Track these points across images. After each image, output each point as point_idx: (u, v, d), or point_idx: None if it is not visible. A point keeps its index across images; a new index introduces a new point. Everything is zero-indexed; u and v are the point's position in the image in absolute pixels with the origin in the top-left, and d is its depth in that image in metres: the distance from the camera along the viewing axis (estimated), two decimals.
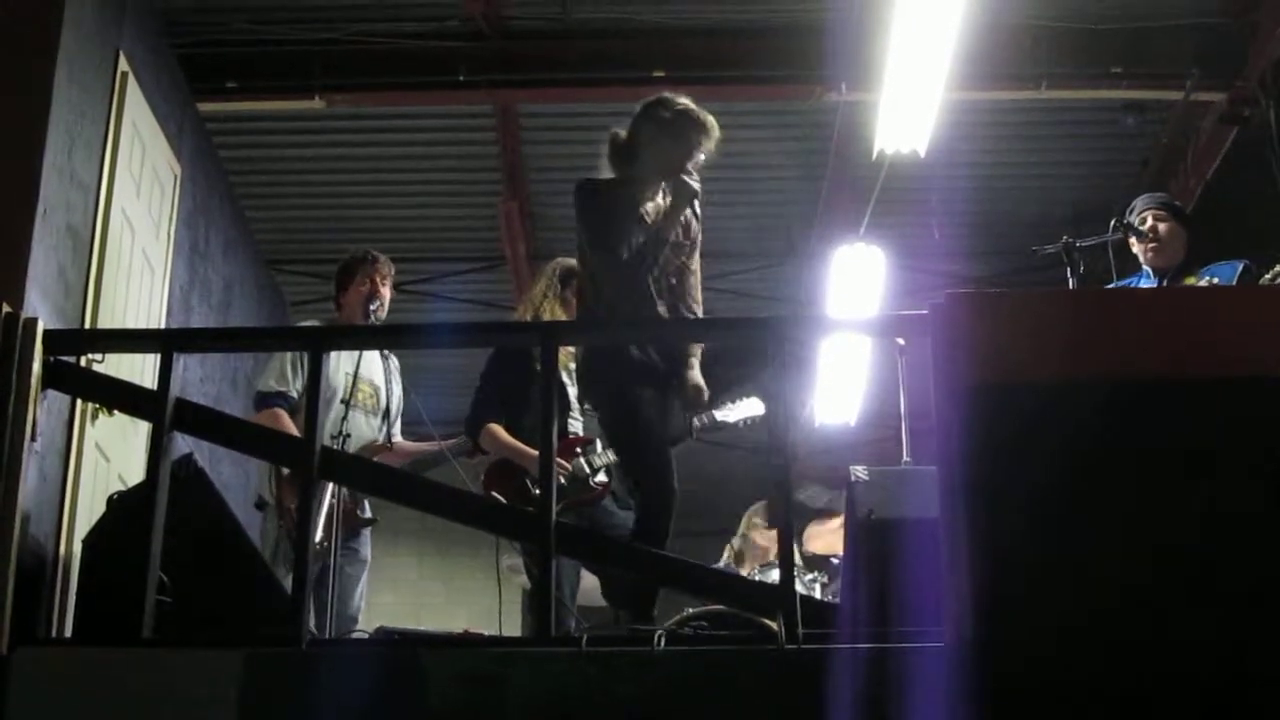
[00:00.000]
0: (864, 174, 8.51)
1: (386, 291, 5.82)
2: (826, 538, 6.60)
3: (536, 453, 5.14)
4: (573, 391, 5.59)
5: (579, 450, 5.46)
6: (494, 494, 5.36)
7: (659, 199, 5.09)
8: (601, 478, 5.48)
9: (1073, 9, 7.53)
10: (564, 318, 5.56)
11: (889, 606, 3.97)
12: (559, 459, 5.20)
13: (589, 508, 5.43)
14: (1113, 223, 5.61)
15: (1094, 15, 7.55)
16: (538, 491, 5.12)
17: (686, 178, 4.98)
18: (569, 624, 5.10)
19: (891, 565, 4.03)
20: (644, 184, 5.07)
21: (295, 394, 5.56)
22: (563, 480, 5.27)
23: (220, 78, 7.61)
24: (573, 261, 5.79)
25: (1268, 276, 5.11)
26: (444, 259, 9.99)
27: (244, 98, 7.83)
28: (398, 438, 5.86)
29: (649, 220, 5.01)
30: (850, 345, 9.27)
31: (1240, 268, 5.36)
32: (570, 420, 5.57)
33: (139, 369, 5.43)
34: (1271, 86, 7.38)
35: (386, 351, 5.88)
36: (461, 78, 7.76)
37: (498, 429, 5.45)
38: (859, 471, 4.44)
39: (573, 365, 5.62)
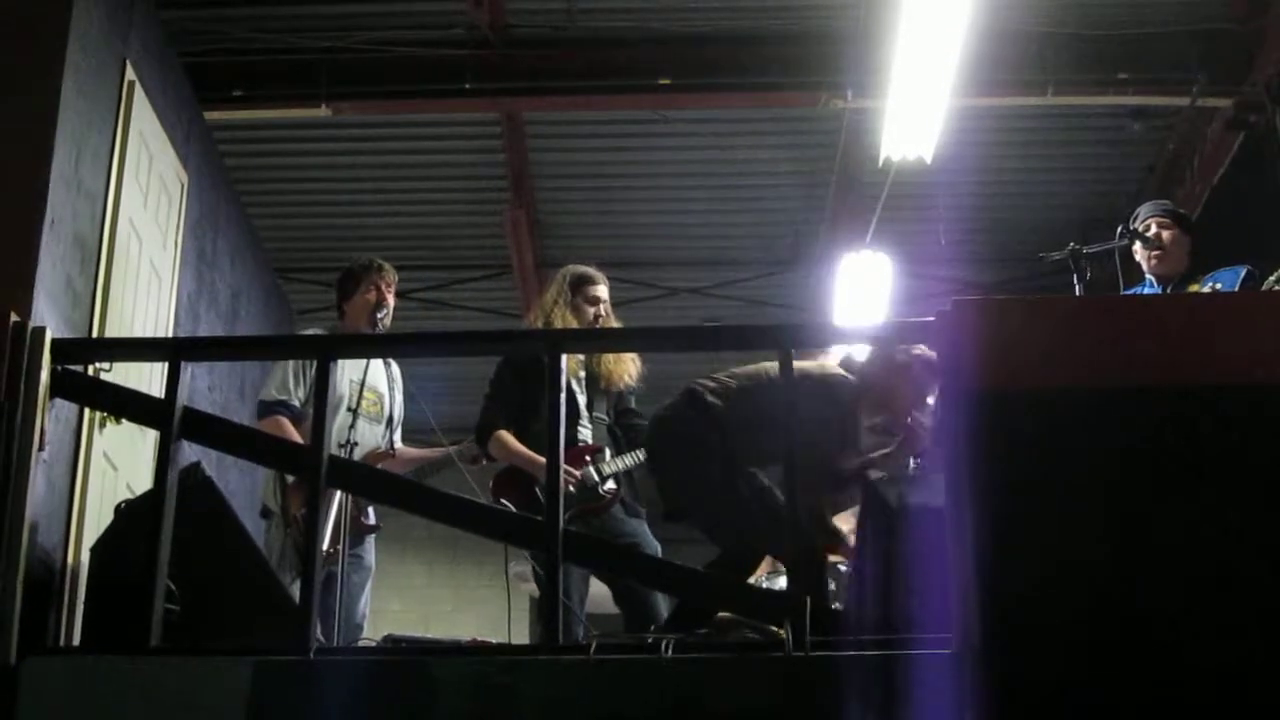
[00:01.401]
0: (870, 181, 8.53)
1: (391, 299, 5.82)
2: None
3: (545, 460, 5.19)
4: (582, 400, 5.59)
5: (588, 459, 5.46)
6: (502, 501, 5.35)
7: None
8: (610, 486, 5.48)
9: (1078, 15, 7.53)
10: (574, 325, 5.55)
11: (900, 604, 3.96)
12: (567, 467, 5.20)
13: (598, 516, 5.42)
14: (1119, 229, 5.62)
15: (1100, 21, 7.55)
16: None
17: (917, 427, 4.98)
18: (578, 632, 5.09)
19: (907, 558, 4.01)
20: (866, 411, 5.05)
21: (297, 403, 5.57)
22: (571, 489, 5.27)
23: (227, 86, 7.63)
24: (584, 268, 5.78)
25: (1271, 279, 5.12)
26: (451, 266, 10.01)
27: (250, 106, 7.84)
28: (399, 444, 5.86)
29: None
30: (857, 352, 9.26)
31: (1243, 273, 5.36)
32: (579, 429, 5.56)
33: (147, 381, 5.43)
34: (1277, 92, 7.38)
35: (388, 359, 5.88)
36: (467, 86, 7.78)
37: (507, 436, 5.44)
38: (877, 474, 4.45)
39: (582, 374, 5.61)
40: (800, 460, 4.33)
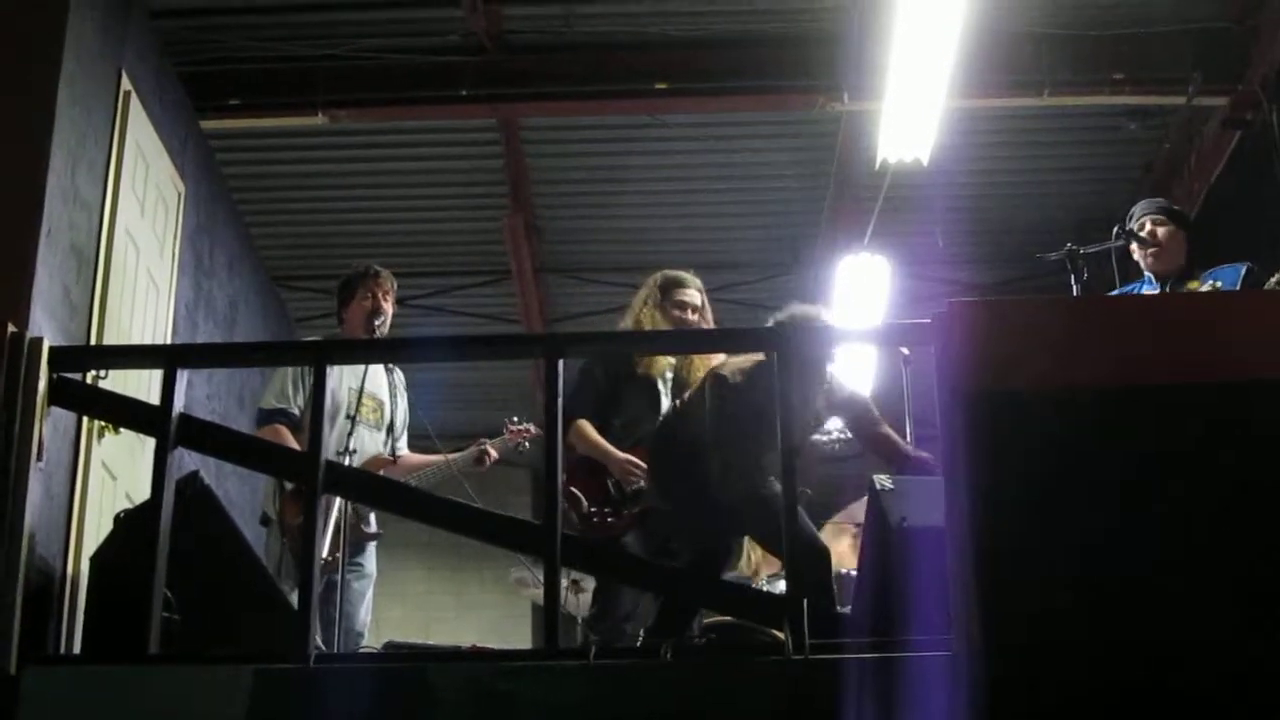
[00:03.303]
0: (868, 183, 8.52)
1: (389, 306, 5.81)
2: (834, 550, 6.55)
3: (622, 454, 5.36)
4: (665, 402, 5.61)
5: None
6: (574, 490, 5.38)
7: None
8: None
9: (1074, 15, 7.52)
10: (664, 326, 5.58)
11: (912, 613, 3.96)
12: (637, 461, 5.36)
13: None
14: (1115, 229, 5.61)
15: (1095, 21, 7.55)
16: (615, 492, 5.34)
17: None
18: (626, 632, 5.17)
19: (918, 572, 4.02)
20: None
21: (296, 410, 5.56)
22: (642, 483, 5.31)
23: (223, 95, 7.62)
24: (675, 272, 5.79)
25: (1272, 281, 5.10)
26: (449, 273, 9.99)
27: (247, 114, 7.83)
28: (403, 451, 5.85)
29: None
30: (855, 354, 9.26)
31: (1243, 270, 5.35)
32: None
33: (145, 391, 5.43)
34: (1273, 90, 7.38)
35: (391, 365, 5.88)
36: (464, 92, 7.77)
37: (587, 426, 5.46)
38: (884, 480, 4.44)
39: (669, 375, 5.62)
40: (739, 454, 4.58)
